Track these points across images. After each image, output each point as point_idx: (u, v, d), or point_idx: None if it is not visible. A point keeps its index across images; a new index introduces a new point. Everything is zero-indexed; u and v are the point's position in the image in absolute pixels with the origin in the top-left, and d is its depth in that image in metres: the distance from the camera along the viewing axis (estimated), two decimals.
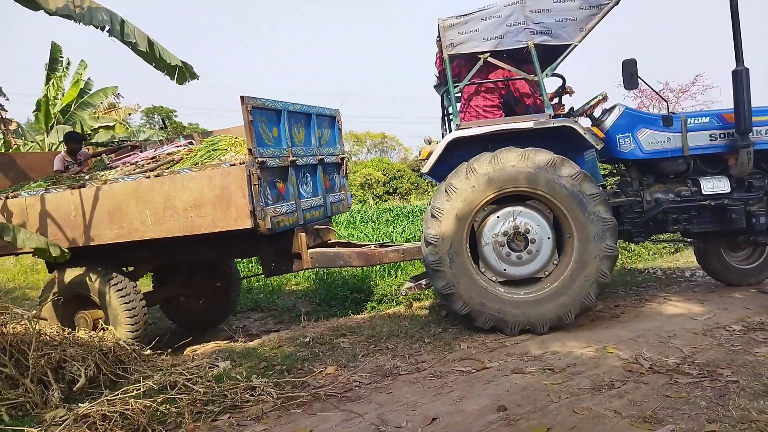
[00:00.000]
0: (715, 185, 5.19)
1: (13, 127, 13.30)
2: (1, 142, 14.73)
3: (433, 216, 4.82)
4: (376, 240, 9.83)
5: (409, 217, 13.66)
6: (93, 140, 15.11)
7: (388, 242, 7.31)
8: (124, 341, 4.76)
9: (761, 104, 5.09)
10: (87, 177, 5.57)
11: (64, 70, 15.66)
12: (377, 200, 22.86)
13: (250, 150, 4.77)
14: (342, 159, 6.57)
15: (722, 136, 5.16)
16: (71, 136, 6.93)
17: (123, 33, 5.11)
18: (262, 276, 8.44)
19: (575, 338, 4.61)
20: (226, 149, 5.40)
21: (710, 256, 5.94)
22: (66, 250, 4.77)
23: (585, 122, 5.23)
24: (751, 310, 4.95)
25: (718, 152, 5.22)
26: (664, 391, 3.42)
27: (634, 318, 5.08)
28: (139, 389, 3.73)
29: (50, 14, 4.67)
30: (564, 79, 5.64)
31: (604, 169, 6.01)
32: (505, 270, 4.91)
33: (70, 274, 5.52)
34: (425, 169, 5.04)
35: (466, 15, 4.85)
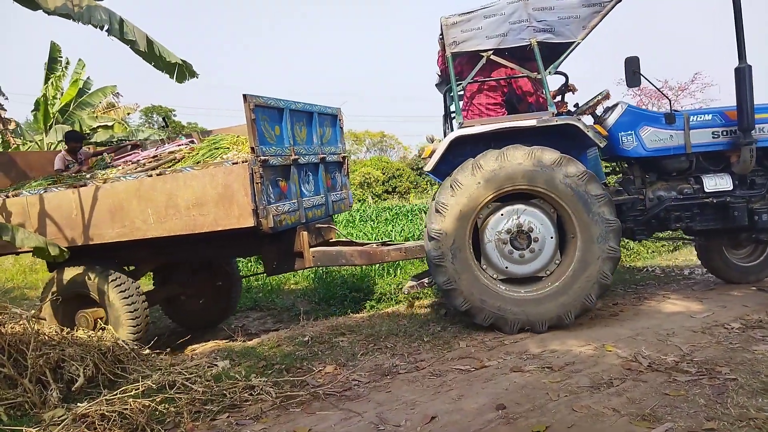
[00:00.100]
0: (717, 183, 5.18)
1: (12, 126, 13.27)
2: (0, 141, 14.71)
3: (437, 211, 4.81)
4: (375, 239, 9.82)
5: (408, 216, 13.65)
6: (92, 140, 15.10)
7: (390, 241, 7.31)
8: (123, 341, 4.76)
9: (763, 101, 5.08)
10: (88, 176, 5.56)
11: (63, 69, 15.65)
12: (376, 199, 22.86)
13: (252, 148, 4.75)
14: (343, 158, 6.55)
15: (725, 133, 5.15)
16: (71, 135, 6.93)
17: (122, 32, 5.09)
18: (261, 275, 8.47)
19: (574, 336, 4.60)
20: (228, 148, 5.38)
21: (712, 253, 5.94)
22: (65, 250, 4.75)
23: (587, 120, 5.23)
24: (750, 308, 4.95)
25: (721, 150, 5.21)
26: (662, 389, 3.41)
27: (633, 316, 5.08)
28: (138, 389, 3.71)
29: (49, 14, 4.66)
30: (567, 77, 5.63)
31: (605, 167, 6.01)
32: (506, 268, 4.91)
33: (71, 273, 5.50)
34: (428, 167, 5.04)
35: (469, 13, 4.84)
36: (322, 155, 5.92)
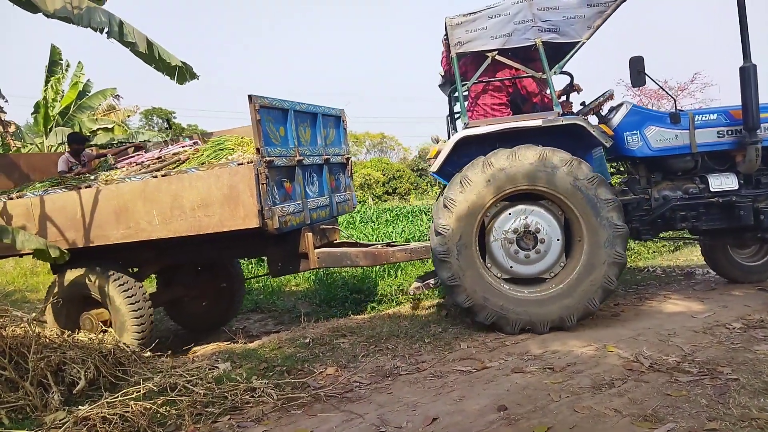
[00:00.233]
0: (723, 182, 5.17)
1: (12, 129, 13.29)
2: (0, 144, 14.72)
3: (445, 206, 4.80)
4: (376, 240, 9.82)
5: (408, 217, 13.65)
6: (92, 142, 15.11)
7: (394, 242, 7.31)
8: (124, 343, 4.75)
9: None
10: (92, 177, 5.55)
11: (63, 72, 15.67)
12: (376, 200, 22.86)
13: (258, 149, 4.74)
14: (347, 159, 6.55)
15: (730, 132, 5.13)
16: (74, 137, 6.93)
17: (122, 34, 5.08)
18: (262, 277, 8.47)
19: (575, 337, 4.59)
20: (233, 149, 5.38)
21: (716, 252, 5.94)
22: (65, 252, 4.74)
23: (592, 120, 5.22)
24: (751, 308, 4.94)
25: (726, 149, 5.20)
26: (664, 390, 3.40)
27: (634, 316, 5.07)
28: (139, 391, 3.71)
29: (48, 16, 4.65)
30: (572, 77, 5.61)
31: (611, 167, 6.00)
32: (511, 267, 4.90)
33: (75, 274, 5.49)
34: (434, 168, 5.02)
35: (473, 13, 4.83)
36: (326, 156, 5.90)
